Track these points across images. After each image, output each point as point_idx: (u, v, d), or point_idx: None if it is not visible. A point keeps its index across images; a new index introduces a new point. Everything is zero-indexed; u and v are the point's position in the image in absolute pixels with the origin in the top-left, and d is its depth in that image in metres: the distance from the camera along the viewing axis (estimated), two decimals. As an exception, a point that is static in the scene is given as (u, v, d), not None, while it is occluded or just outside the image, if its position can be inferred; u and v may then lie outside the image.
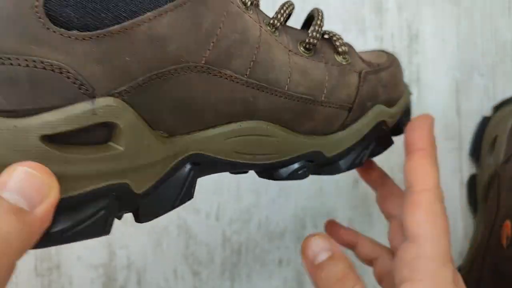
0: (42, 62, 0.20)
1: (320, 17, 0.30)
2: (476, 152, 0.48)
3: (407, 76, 0.49)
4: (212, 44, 0.24)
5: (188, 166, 0.26)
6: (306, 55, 0.29)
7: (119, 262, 0.48)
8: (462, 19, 0.50)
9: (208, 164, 0.27)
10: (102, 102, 0.22)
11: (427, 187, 0.30)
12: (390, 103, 0.33)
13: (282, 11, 0.29)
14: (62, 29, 0.20)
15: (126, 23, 0.22)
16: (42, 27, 0.20)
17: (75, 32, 0.21)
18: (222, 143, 0.27)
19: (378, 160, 0.37)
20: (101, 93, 0.21)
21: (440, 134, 0.49)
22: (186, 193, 0.27)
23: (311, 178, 0.32)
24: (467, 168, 0.49)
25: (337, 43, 0.31)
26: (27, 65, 0.20)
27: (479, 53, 0.50)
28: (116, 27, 0.21)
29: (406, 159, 0.32)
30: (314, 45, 0.29)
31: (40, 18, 0.20)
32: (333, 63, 0.30)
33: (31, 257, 0.48)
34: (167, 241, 0.48)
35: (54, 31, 0.20)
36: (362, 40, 0.48)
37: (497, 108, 0.48)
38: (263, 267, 0.48)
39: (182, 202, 0.27)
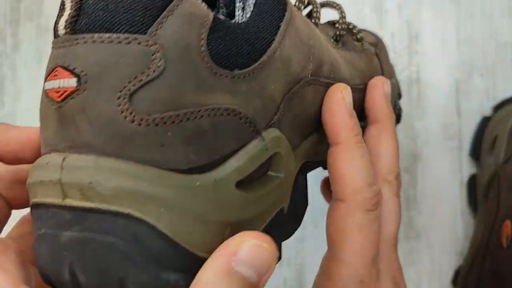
0: (219, 109, 0.20)
1: (340, 7, 0.31)
2: (476, 152, 0.49)
3: (407, 76, 0.49)
4: (311, 56, 0.24)
5: (301, 176, 0.26)
6: (341, 47, 0.29)
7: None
8: (462, 19, 0.50)
9: (309, 169, 0.27)
10: (270, 134, 0.22)
11: (341, 196, 0.25)
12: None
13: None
14: (227, 71, 0.20)
15: (268, 52, 0.22)
16: (211, 73, 0.19)
17: (237, 71, 0.20)
18: (313, 147, 0.27)
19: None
20: (263, 126, 0.21)
21: (440, 134, 0.49)
22: (306, 202, 0.27)
23: (312, 177, 0.32)
24: (467, 168, 0.49)
25: (355, 30, 0.31)
26: (209, 115, 0.19)
27: (479, 53, 0.50)
28: (264, 57, 0.21)
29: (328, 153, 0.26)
30: (343, 36, 0.29)
31: (207, 63, 0.19)
32: (359, 49, 0.31)
33: (31, 257, 0.48)
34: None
35: (221, 74, 0.20)
36: (362, 40, 0.48)
37: (497, 108, 0.48)
38: (263, 267, 0.48)
39: (305, 211, 0.26)
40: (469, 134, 0.49)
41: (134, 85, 0.18)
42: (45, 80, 0.20)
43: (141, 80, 0.18)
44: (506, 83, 0.49)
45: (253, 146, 0.21)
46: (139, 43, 0.18)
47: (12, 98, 0.48)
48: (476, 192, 0.48)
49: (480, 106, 0.49)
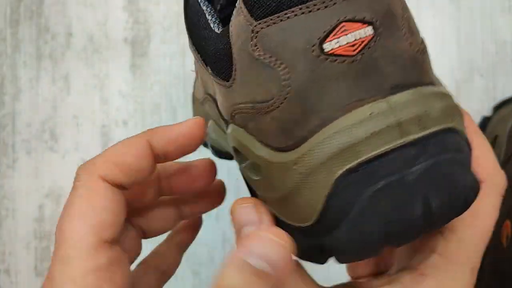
0: None
1: None
2: None
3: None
4: None
5: None
6: None
7: (119, 262, 0.48)
8: (462, 19, 0.50)
9: None
10: None
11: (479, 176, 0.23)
12: None
13: None
14: None
15: None
16: None
17: None
18: None
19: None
20: None
21: (440, 134, 0.49)
22: None
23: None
24: (467, 168, 0.49)
25: None
26: None
27: (479, 53, 0.50)
28: None
29: None
30: None
31: None
32: None
33: (31, 257, 0.48)
34: (167, 241, 0.48)
35: None
36: (362, 40, 0.48)
37: (497, 108, 0.48)
38: (263, 267, 0.48)
39: None
40: (469, 134, 0.49)
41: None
42: (322, 43, 0.20)
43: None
44: (506, 83, 0.49)
45: None
46: None
47: (12, 98, 0.48)
48: None
49: (480, 106, 0.49)
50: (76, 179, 0.22)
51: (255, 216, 0.22)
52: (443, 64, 0.49)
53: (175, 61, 0.49)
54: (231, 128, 0.23)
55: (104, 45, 0.48)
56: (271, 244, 0.19)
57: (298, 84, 0.20)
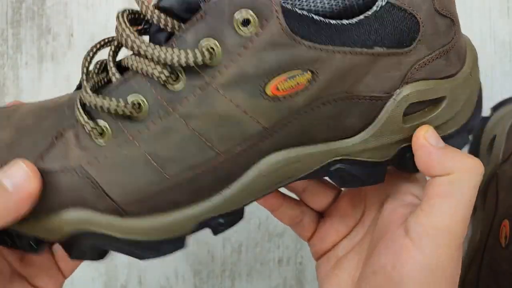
0: None
1: None
2: (474, 152, 0.49)
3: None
4: None
5: None
6: None
7: (120, 261, 0.48)
8: (460, 19, 0.50)
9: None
10: None
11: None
12: None
13: None
14: None
15: None
16: None
17: None
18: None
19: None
20: None
21: (439, 134, 0.49)
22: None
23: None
24: (466, 168, 0.49)
25: None
26: None
27: (478, 53, 0.50)
28: None
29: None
30: None
31: None
32: None
33: (33, 256, 0.48)
34: (168, 241, 0.48)
35: None
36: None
37: (495, 108, 0.49)
38: (263, 266, 0.48)
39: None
40: (468, 134, 0.49)
41: None
42: None
43: None
44: (505, 83, 0.50)
45: None
46: None
47: (13, 99, 0.48)
48: None
49: (478, 106, 0.49)
50: None
51: None
52: (442, 64, 0.50)
53: (176, 61, 0.49)
54: (411, 88, 0.27)
55: (105, 45, 0.49)
56: (19, 169, 0.24)
57: None
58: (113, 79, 0.26)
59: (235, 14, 0.24)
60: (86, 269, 0.48)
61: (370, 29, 0.25)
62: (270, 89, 0.25)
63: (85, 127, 0.26)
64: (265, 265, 0.49)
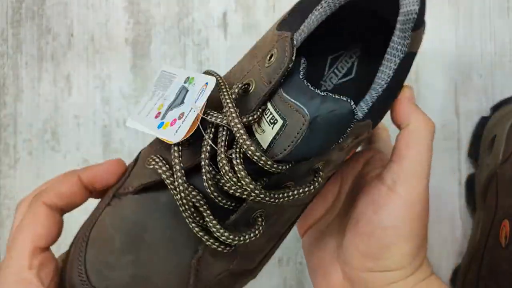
0: None
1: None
2: (474, 152, 0.49)
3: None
4: None
5: None
6: None
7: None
8: (460, 20, 0.50)
9: None
10: None
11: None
12: None
13: None
14: None
15: None
16: None
17: None
18: None
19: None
20: None
21: (439, 134, 0.49)
22: None
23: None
24: (466, 168, 0.49)
25: None
26: None
27: (478, 54, 0.50)
28: None
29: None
30: None
31: None
32: None
33: (33, 256, 0.48)
34: (168, 241, 0.48)
35: None
36: (361, 40, 0.49)
37: (495, 108, 0.49)
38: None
39: None
40: (468, 135, 0.49)
41: None
42: None
43: None
44: (505, 83, 0.50)
45: None
46: None
47: (14, 98, 0.48)
48: (475, 192, 0.48)
49: (478, 107, 0.49)
50: (29, 202, 0.30)
51: None
52: (442, 64, 0.50)
53: (176, 61, 0.49)
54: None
55: (105, 45, 0.49)
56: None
57: None
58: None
59: None
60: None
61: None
62: None
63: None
64: (265, 265, 0.49)
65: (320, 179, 0.29)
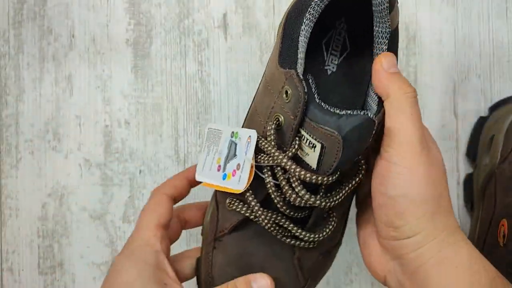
0: None
1: None
2: (472, 151, 0.49)
3: (405, 77, 0.49)
4: None
5: None
6: None
7: (121, 260, 0.48)
8: (459, 21, 0.50)
9: None
10: None
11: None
12: None
13: None
14: None
15: None
16: None
17: None
18: None
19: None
20: None
21: (437, 134, 0.50)
22: None
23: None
24: (464, 168, 0.50)
25: None
26: None
27: (476, 54, 0.50)
28: None
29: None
30: None
31: None
32: None
33: (34, 255, 0.48)
34: (169, 240, 0.49)
35: None
36: (360, 41, 0.49)
37: (493, 109, 0.49)
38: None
39: None
40: (466, 135, 0.50)
41: None
42: None
43: None
44: (503, 84, 0.50)
45: None
46: None
47: (15, 99, 0.49)
48: (473, 191, 0.48)
49: (477, 107, 0.50)
50: (152, 193, 0.39)
51: None
52: (441, 64, 0.50)
53: (176, 62, 0.49)
54: None
55: (106, 46, 0.49)
56: (263, 279, 0.34)
57: None
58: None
59: None
60: (88, 268, 0.48)
61: None
62: None
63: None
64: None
65: (362, 170, 0.35)
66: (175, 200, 0.39)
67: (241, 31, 0.49)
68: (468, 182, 0.49)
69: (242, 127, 0.37)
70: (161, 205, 0.37)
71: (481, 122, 0.49)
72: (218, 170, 0.37)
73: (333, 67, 0.40)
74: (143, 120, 0.49)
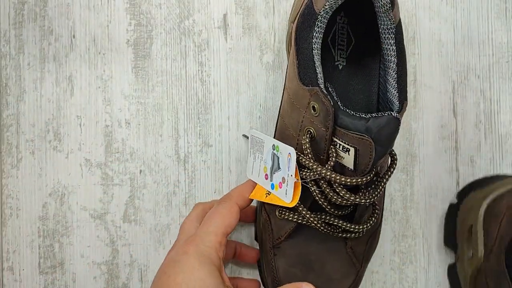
0: None
1: None
2: (450, 241, 0.48)
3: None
4: None
5: None
6: None
7: (121, 260, 0.48)
8: (458, 21, 0.50)
9: None
10: None
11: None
12: None
13: None
14: None
15: None
16: None
17: None
18: None
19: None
20: None
21: (437, 134, 0.50)
22: None
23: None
24: (463, 168, 0.50)
25: None
26: None
27: (476, 55, 0.50)
28: None
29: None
30: None
31: None
32: None
33: (35, 255, 0.48)
34: (169, 239, 0.49)
35: None
36: (360, 41, 0.49)
37: (462, 195, 0.48)
38: (263, 265, 0.48)
39: None
40: (465, 134, 0.50)
41: None
42: None
43: None
44: (502, 85, 0.50)
45: None
46: None
47: (16, 99, 0.49)
48: (460, 283, 0.47)
49: (476, 107, 0.50)
50: (223, 200, 0.41)
51: None
52: (440, 64, 0.50)
53: (177, 62, 0.49)
54: None
55: (107, 47, 0.49)
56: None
57: None
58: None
59: None
60: (88, 267, 0.48)
61: None
62: None
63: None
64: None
65: (396, 160, 0.38)
66: (242, 208, 0.41)
67: (241, 31, 0.49)
68: (452, 273, 0.48)
69: (274, 138, 0.41)
70: (232, 216, 0.39)
71: (453, 210, 0.48)
72: (266, 178, 0.40)
73: (343, 61, 0.42)
74: (144, 120, 0.49)
